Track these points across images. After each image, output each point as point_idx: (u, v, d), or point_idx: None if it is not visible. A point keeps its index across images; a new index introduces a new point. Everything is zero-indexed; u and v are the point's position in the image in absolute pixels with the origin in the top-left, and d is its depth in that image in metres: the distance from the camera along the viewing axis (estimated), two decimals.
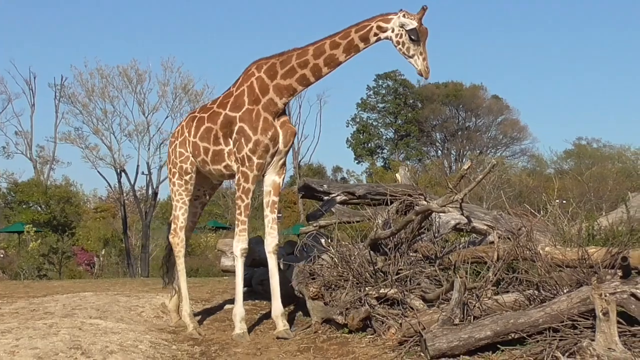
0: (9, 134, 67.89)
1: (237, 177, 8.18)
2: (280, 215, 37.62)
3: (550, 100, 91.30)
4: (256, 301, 9.98)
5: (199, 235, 36.11)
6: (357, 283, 8.05)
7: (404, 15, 7.48)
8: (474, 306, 6.81)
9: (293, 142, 8.50)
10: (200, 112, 8.82)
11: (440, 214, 8.63)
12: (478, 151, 62.42)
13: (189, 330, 8.54)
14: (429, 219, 8.69)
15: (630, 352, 5.50)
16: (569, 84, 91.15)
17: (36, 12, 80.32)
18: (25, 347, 6.80)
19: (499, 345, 6.10)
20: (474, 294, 6.93)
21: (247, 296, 9.45)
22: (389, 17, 7.58)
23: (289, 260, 9.27)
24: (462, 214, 8.27)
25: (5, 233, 38.02)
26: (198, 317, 9.27)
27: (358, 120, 67.71)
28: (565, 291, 6.61)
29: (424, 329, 6.43)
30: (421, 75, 7.63)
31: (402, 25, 7.50)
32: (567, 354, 5.66)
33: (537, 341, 6.00)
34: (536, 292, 6.93)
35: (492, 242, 7.97)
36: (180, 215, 9.04)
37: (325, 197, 10.32)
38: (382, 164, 64.88)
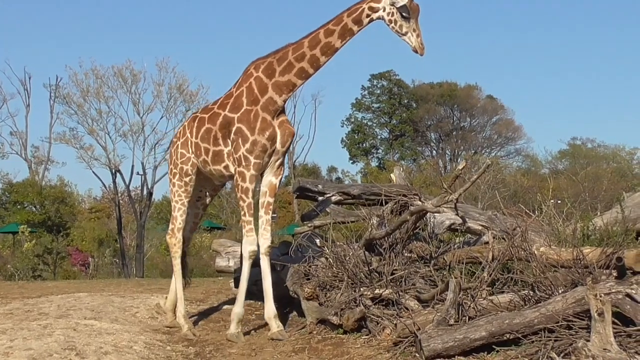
0: (4, 134, 67.88)
1: (235, 178, 8.18)
2: (275, 215, 37.57)
3: (545, 100, 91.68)
4: (251, 302, 9.94)
5: (194, 235, 35.86)
6: (352, 283, 8.04)
7: None
8: (469, 307, 6.80)
9: (291, 143, 8.49)
10: (202, 113, 8.85)
11: (435, 214, 8.63)
12: (473, 151, 62.49)
13: (183, 331, 8.53)
14: (424, 219, 8.69)
15: (626, 352, 5.48)
16: (563, 84, 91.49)
17: (31, 13, 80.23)
18: (19, 348, 6.78)
19: (494, 346, 6.09)
20: (469, 295, 6.92)
21: None
22: None
23: (284, 260, 9.25)
24: (457, 214, 8.28)
25: (0, 233, 37.88)
26: (193, 318, 9.26)
27: (353, 120, 67.72)
28: (560, 291, 6.61)
29: (419, 329, 6.41)
30: (416, 52, 7.56)
31: (393, 4, 7.52)
32: (562, 355, 5.65)
33: (532, 342, 5.98)
34: (531, 292, 6.92)
35: (487, 242, 7.97)
36: (178, 216, 9.03)
37: (320, 197, 10.30)
38: (377, 164, 64.94)
